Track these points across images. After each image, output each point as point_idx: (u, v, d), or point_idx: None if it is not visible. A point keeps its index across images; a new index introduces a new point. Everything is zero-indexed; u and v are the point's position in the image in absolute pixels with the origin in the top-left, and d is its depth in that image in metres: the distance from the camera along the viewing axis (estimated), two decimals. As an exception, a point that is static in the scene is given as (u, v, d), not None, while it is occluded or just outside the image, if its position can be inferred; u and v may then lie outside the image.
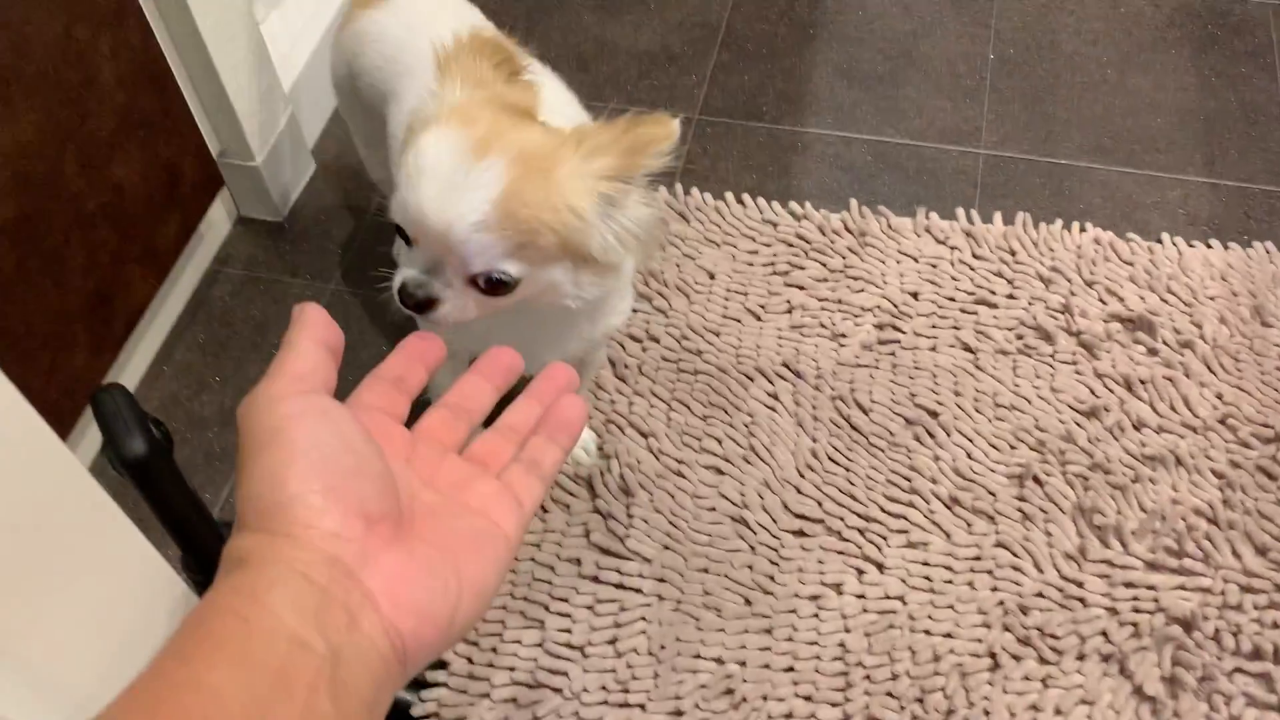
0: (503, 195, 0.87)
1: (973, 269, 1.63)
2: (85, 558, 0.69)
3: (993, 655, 1.28)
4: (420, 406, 0.55)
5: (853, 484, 1.42)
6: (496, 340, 1.06)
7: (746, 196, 1.73)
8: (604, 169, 0.90)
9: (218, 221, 1.74)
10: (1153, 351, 1.53)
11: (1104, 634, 1.28)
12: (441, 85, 0.96)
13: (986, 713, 1.24)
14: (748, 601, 1.33)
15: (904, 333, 1.56)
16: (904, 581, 1.34)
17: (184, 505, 0.98)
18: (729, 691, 1.26)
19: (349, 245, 1.74)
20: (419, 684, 1.29)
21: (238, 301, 1.68)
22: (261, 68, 1.64)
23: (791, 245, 1.67)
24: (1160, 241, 1.66)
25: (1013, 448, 1.44)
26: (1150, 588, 1.31)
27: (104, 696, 0.34)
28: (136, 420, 0.91)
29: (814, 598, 1.33)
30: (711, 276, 1.64)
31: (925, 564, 1.35)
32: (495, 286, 0.93)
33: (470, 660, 1.30)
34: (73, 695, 0.59)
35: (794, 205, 1.72)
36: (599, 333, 1.16)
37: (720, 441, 1.46)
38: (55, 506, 0.68)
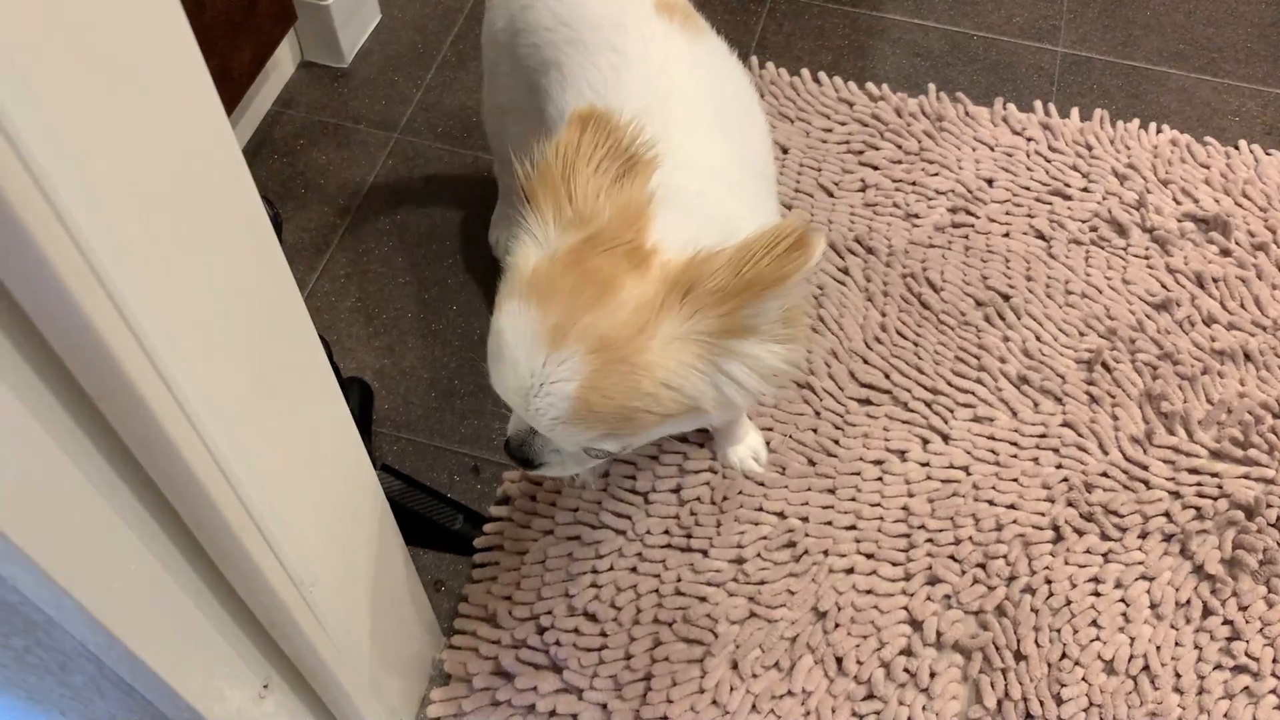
0: (580, 391, 0.77)
1: (1048, 160, 1.61)
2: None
3: (1055, 528, 1.28)
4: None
5: (920, 358, 1.41)
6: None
7: (823, 75, 1.71)
8: (711, 328, 0.78)
9: (283, 62, 1.71)
10: (1225, 252, 1.52)
11: (1167, 515, 1.29)
12: (530, 216, 0.83)
13: (1048, 581, 1.24)
14: (811, 462, 1.33)
15: (977, 217, 1.55)
16: (969, 453, 1.34)
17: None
18: (791, 544, 1.27)
19: (412, 97, 1.71)
20: (481, 518, 1.30)
21: (301, 143, 1.65)
22: (340, -97, 1.60)
23: (867, 125, 1.65)
24: (1237, 148, 1.64)
25: (1082, 334, 1.44)
26: (1214, 475, 1.32)
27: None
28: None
29: (878, 462, 1.33)
30: (785, 151, 1.62)
31: (991, 438, 1.35)
32: (597, 454, 0.88)
33: (533, 499, 1.30)
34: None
35: (870, 86, 1.69)
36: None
37: (788, 310, 1.45)
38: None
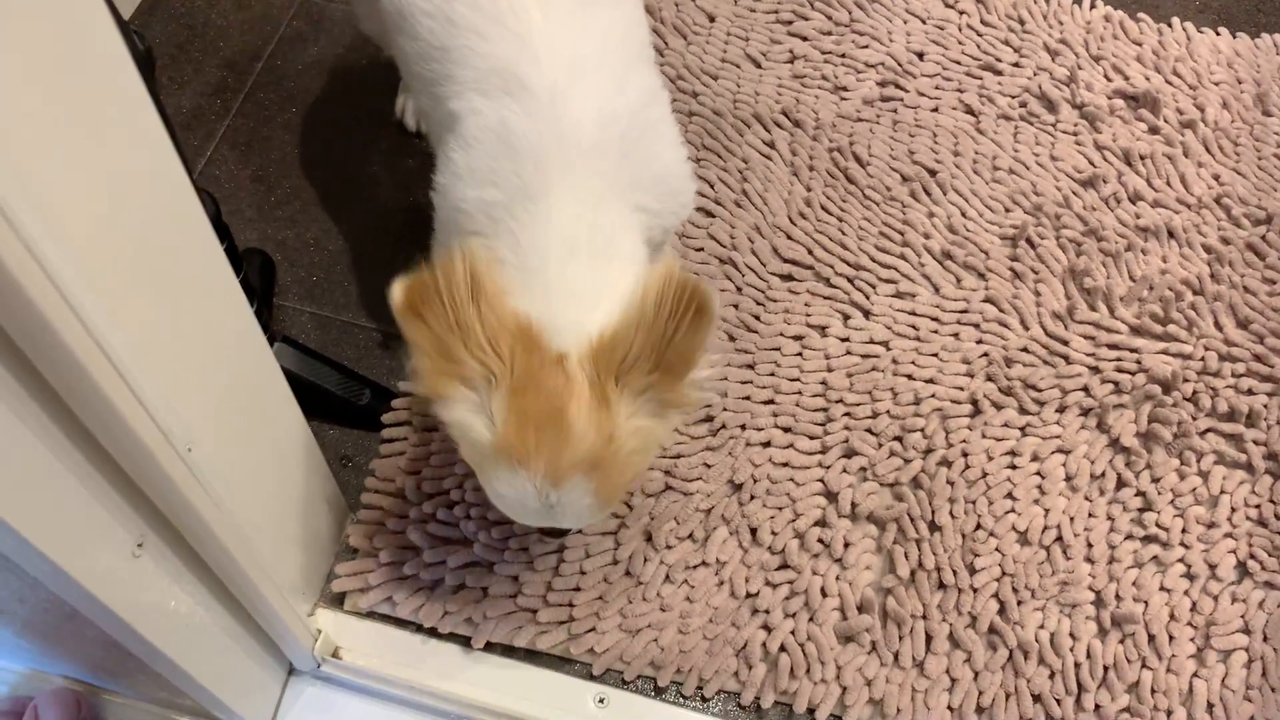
0: (592, 499, 0.89)
1: (980, 34, 1.57)
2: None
3: (974, 402, 1.27)
4: None
5: (844, 233, 1.38)
6: None
7: (752, -59, 1.64)
8: (657, 398, 0.88)
9: (177, -84, 1.59)
10: (1154, 129, 1.50)
11: (1085, 389, 1.29)
12: (453, 399, 0.88)
13: (964, 454, 1.24)
14: (731, 338, 1.30)
15: (907, 91, 1.51)
16: (889, 328, 1.32)
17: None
18: (708, 419, 1.24)
19: (321, -43, 1.61)
20: (389, 393, 1.25)
21: (198, 3, 1.55)
22: None
23: (796, -6, 1.59)
24: (1170, 25, 1.61)
25: (1008, 210, 1.42)
26: (1133, 350, 1.31)
27: None
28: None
29: (798, 338, 1.31)
30: (711, 19, 1.56)
31: (912, 313, 1.33)
32: None
33: (444, 373, 1.25)
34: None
35: (801, -46, 1.63)
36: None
37: (712, 185, 1.41)
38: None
